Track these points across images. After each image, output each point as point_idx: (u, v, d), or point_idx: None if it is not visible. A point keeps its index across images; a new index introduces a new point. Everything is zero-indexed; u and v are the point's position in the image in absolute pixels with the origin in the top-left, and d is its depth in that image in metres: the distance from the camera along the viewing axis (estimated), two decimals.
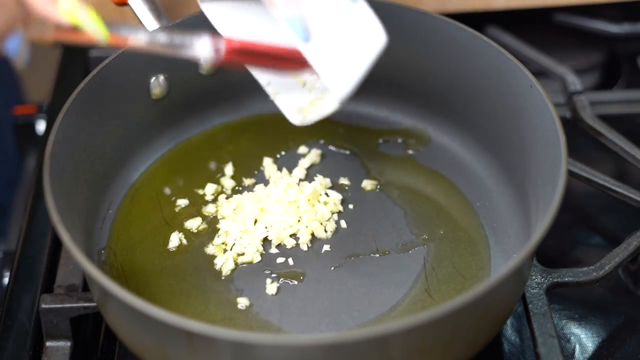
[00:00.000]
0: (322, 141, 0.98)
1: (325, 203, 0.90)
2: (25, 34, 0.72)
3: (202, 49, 0.76)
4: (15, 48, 0.73)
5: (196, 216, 0.90)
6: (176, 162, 0.95)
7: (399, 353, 0.71)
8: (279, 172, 0.94)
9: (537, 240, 0.73)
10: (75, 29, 0.72)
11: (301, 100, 0.88)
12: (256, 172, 0.95)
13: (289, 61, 0.79)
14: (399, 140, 0.98)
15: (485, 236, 0.88)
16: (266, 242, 0.88)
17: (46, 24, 0.72)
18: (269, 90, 0.89)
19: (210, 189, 0.92)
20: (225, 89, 0.99)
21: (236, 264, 0.86)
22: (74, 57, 1.13)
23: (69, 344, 0.83)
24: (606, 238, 0.98)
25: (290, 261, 0.86)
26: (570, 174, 0.92)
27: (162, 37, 0.76)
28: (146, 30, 0.75)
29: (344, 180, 0.93)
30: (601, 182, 0.93)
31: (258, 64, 0.80)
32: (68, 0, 0.71)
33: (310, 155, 0.96)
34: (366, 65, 0.80)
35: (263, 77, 0.88)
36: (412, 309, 0.82)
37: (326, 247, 0.87)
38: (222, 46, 0.76)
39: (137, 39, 0.75)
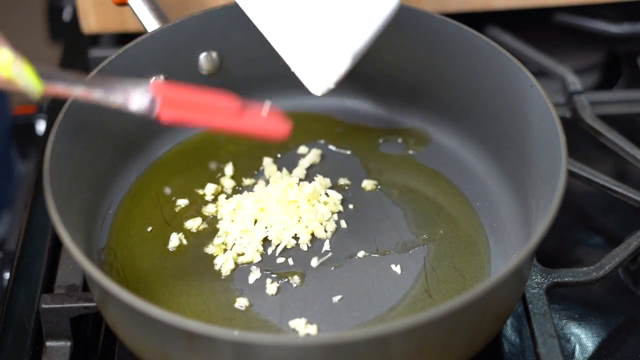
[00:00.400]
0: (322, 141, 0.98)
1: (325, 203, 0.90)
2: None
3: (137, 104, 0.77)
4: None
5: (196, 216, 0.90)
6: (176, 162, 0.95)
7: (399, 353, 0.71)
8: (279, 172, 0.94)
9: (537, 240, 0.73)
10: (10, 81, 0.73)
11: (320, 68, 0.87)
12: (256, 172, 0.95)
13: (225, 116, 0.79)
14: (399, 140, 0.98)
15: (485, 236, 0.88)
16: (266, 242, 0.88)
17: None
18: (289, 60, 0.88)
19: (210, 189, 0.92)
20: (225, 89, 0.98)
21: (236, 264, 0.86)
22: (74, 57, 1.13)
23: (69, 344, 0.83)
24: (606, 238, 0.98)
25: (290, 261, 0.86)
26: (570, 174, 0.92)
27: (98, 93, 0.76)
28: (82, 83, 0.76)
29: (344, 180, 0.93)
30: (601, 182, 0.93)
31: (194, 120, 0.79)
32: (4, 56, 0.71)
33: (310, 155, 0.96)
34: (378, 23, 0.81)
35: (281, 46, 0.87)
36: (412, 309, 0.82)
37: (326, 247, 0.87)
38: (158, 101, 0.77)
39: (71, 92, 0.76)
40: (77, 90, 0.75)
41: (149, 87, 0.77)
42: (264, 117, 0.80)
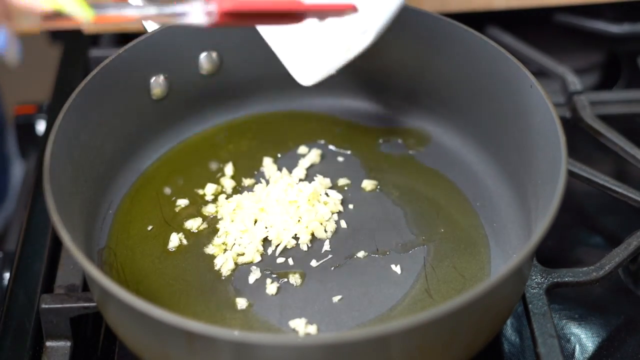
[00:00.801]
0: (322, 141, 0.98)
1: (325, 203, 0.90)
2: (9, 28, 0.70)
3: (194, 15, 0.73)
4: (2, 44, 0.70)
5: (196, 216, 0.90)
6: (176, 162, 0.95)
7: (399, 353, 0.71)
8: (279, 172, 0.94)
9: (537, 240, 0.73)
10: (59, 14, 0.69)
11: (314, 54, 0.85)
12: (256, 172, 0.95)
13: (286, 16, 0.77)
14: (399, 140, 0.98)
15: (485, 236, 0.88)
16: (266, 242, 0.88)
17: (30, 15, 0.69)
18: (276, 49, 0.87)
19: (210, 189, 0.92)
20: (225, 89, 0.98)
21: (236, 264, 0.86)
22: (74, 57, 1.13)
23: (69, 344, 0.83)
24: (606, 238, 0.98)
25: (290, 261, 0.86)
26: (570, 174, 0.92)
27: (152, 10, 0.73)
28: (134, 6, 0.72)
29: (344, 180, 0.93)
30: (601, 182, 0.93)
31: (253, 23, 0.77)
32: None
33: (310, 155, 0.96)
34: (376, 30, 0.81)
35: (271, 38, 0.86)
36: (412, 309, 0.82)
37: (326, 247, 0.87)
38: (215, 10, 0.73)
39: (125, 15, 0.72)
40: (130, 13, 0.72)
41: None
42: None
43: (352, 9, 0.80)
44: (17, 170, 1.51)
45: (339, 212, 0.90)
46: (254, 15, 0.75)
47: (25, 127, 1.16)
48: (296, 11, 0.77)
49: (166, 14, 0.73)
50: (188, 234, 0.89)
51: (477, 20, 1.09)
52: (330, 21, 0.82)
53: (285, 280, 0.85)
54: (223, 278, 0.85)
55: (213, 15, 0.73)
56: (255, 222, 0.89)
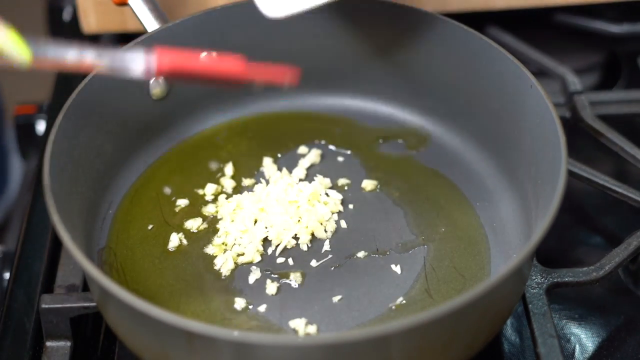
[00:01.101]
0: (322, 141, 0.98)
1: (325, 203, 0.90)
2: None
3: (133, 67, 0.75)
4: None
5: (196, 216, 0.90)
6: (176, 162, 0.95)
7: (399, 353, 0.71)
8: (279, 172, 0.94)
9: (537, 240, 0.73)
10: None
11: None
12: (256, 172, 0.95)
13: (223, 80, 0.78)
14: (399, 140, 0.98)
15: (485, 236, 0.88)
16: (266, 242, 0.88)
17: None
18: None
19: (210, 189, 0.92)
20: (225, 89, 0.98)
21: (236, 264, 0.86)
22: None
23: (69, 344, 0.83)
24: (606, 238, 0.98)
25: (290, 261, 0.86)
26: (570, 174, 0.92)
27: (91, 56, 0.73)
28: (73, 50, 0.73)
29: (344, 180, 0.93)
30: (601, 182, 0.93)
31: (193, 81, 0.78)
32: None
33: (310, 155, 0.96)
34: None
35: None
36: (412, 309, 0.82)
37: (326, 247, 0.87)
38: (153, 65, 0.75)
39: (63, 60, 0.72)
40: (69, 57, 0.71)
41: (142, 53, 0.75)
42: (270, 67, 0.78)
43: (293, 80, 0.79)
44: (16, 165, 1.51)
45: (339, 212, 0.90)
46: (193, 74, 0.75)
47: (25, 127, 1.16)
48: (235, 78, 0.77)
49: (105, 62, 0.74)
50: (188, 234, 0.89)
51: (477, 20, 1.09)
52: None
53: (285, 280, 0.85)
54: (223, 278, 0.85)
55: (151, 71, 0.74)
56: (255, 222, 0.89)
